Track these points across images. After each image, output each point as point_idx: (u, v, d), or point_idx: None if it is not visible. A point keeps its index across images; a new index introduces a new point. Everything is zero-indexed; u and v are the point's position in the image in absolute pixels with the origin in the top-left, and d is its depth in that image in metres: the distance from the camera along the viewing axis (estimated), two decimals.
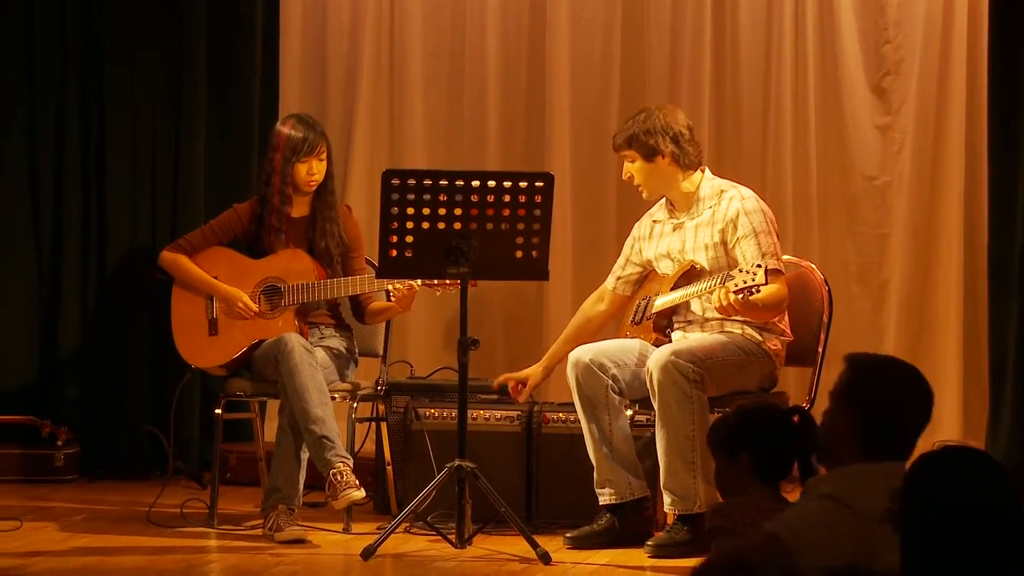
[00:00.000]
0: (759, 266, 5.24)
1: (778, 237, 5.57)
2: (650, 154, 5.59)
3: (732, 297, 5.21)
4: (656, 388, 5.35)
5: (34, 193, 6.88)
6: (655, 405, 5.39)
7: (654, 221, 5.76)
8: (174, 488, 6.31)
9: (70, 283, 6.86)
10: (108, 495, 6.45)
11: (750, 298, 5.22)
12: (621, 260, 5.86)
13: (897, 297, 6.76)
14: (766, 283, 5.23)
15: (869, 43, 6.76)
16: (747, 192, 5.61)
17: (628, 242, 5.85)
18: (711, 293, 5.35)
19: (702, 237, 5.57)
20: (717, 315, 5.50)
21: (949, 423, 6.60)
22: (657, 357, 5.39)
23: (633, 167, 5.63)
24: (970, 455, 2.61)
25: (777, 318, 5.56)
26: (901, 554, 2.55)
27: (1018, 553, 2.52)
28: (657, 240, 5.72)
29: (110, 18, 6.85)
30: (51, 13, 6.86)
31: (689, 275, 5.57)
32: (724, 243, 5.52)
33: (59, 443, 6.66)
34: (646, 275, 5.80)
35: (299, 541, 5.51)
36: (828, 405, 3.41)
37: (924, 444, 3.22)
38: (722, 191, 5.60)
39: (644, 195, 5.70)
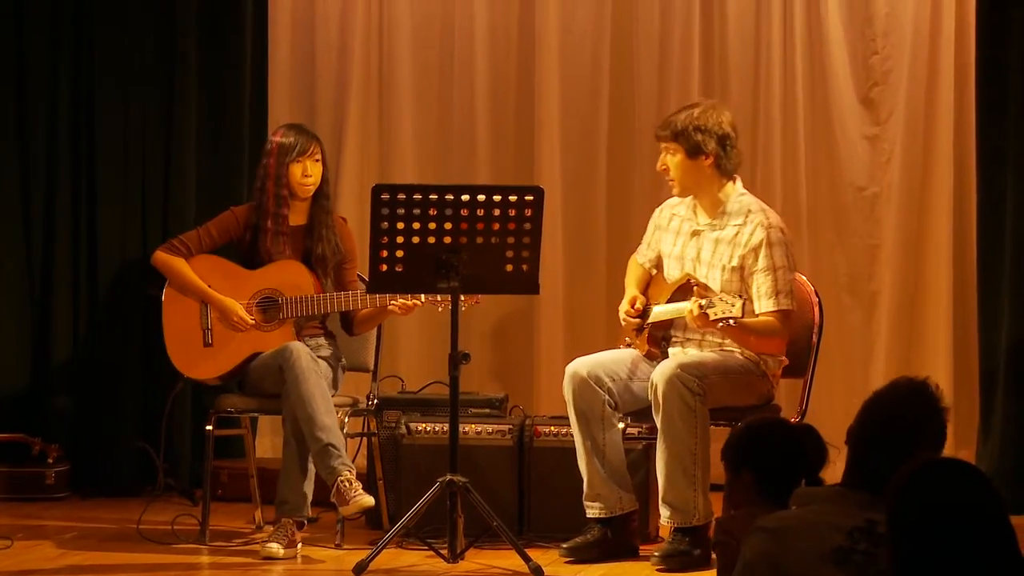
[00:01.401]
0: (740, 296, 5.23)
1: (796, 269, 5.55)
2: (694, 152, 5.49)
3: (703, 319, 5.22)
4: (661, 401, 5.33)
5: (25, 206, 6.86)
6: (658, 418, 5.36)
7: (673, 214, 5.70)
8: (165, 504, 6.30)
9: (61, 299, 6.84)
10: (99, 512, 6.44)
11: (736, 323, 5.21)
12: (644, 244, 5.81)
13: (887, 308, 6.76)
14: (742, 316, 5.22)
15: (857, 54, 6.78)
16: (775, 219, 5.53)
17: (649, 227, 5.79)
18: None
19: (720, 255, 5.51)
20: (717, 336, 5.49)
21: None
22: (663, 370, 5.36)
23: (672, 160, 5.51)
24: (956, 467, 2.60)
25: (780, 350, 5.54)
26: (890, 567, 2.55)
27: (1006, 566, 2.51)
28: (673, 236, 5.65)
29: (101, 30, 6.84)
30: (40, 29, 6.86)
31: (684, 289, 5.53)
32: (742, 268, 5.46)
33: (50, 461, 6.64)
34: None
35: (275, 559, 5.49)
36: None
37: None
38: (749, 211, 5.51)
39: (675, 191, 5.59)
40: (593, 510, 5.54)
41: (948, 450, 6.74)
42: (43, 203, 6.87)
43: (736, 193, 5.57)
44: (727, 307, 5.19)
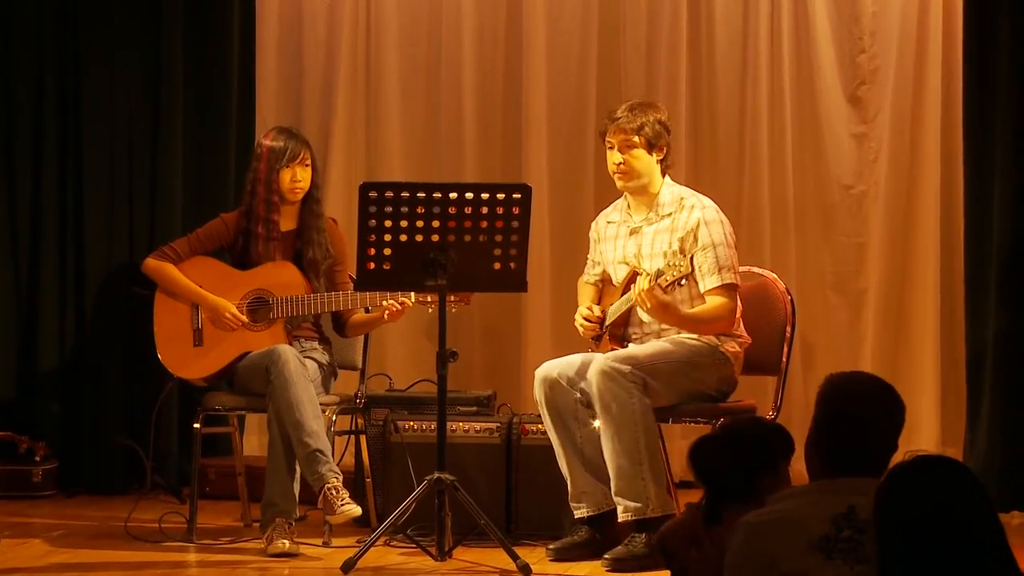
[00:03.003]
0: (684, 255, 5.26)
1: (736, 248, 5.57)
2: (653, 146, 5.55)
3: (656, 290, 5.24)
4: (596, 393, 5.34)
5: (11, 208, 6.86)
6: (598, 413, 5.36)
7: (608, 222, 5.74)
8: (153, 502, 6.30)
9: (48, 298, 6.84)
10: (86, 510, 6.43)
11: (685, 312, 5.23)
12: (589, 263, 5.84)
13: (875, 306, 6.77)
14: (693, 271, 5.27)
15: (844, 53, 6.79)
16: (707, 202, 5.58)
17: (591, 244, 5.83)
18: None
19: (660, 244, 5.55)
20: (673, 327, 5.50)
21: (927, 430, 6.62)
22: (594, 364, 5.39)
23: (631, 154, 5.55)
24: (944, 465, 2.61)
25: (731, 326, 5.55)
26: (878, 565, 2.56)
27: (994, 562, 2.52)
28: (613, 243, 5.69)
29: (87, 32, 6.83)
30: (27, 31, 6.85)
31: (633, 281, 5.55)
32: (682, 251, 5.47)
33: (37, 459, 6.64)
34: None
35: (289, 555, 5.49)
36: None
37: (901, 452, 3.19)
38: (682, 198, 5.57)
39: (620, 184, 5.61)
40: (580, 510, 5.53)
41: (935, 447, 6.76)
42: (30, 206, 6.86)
43: (666, 186, 5.62)
44: (675, 270, 5.24)
